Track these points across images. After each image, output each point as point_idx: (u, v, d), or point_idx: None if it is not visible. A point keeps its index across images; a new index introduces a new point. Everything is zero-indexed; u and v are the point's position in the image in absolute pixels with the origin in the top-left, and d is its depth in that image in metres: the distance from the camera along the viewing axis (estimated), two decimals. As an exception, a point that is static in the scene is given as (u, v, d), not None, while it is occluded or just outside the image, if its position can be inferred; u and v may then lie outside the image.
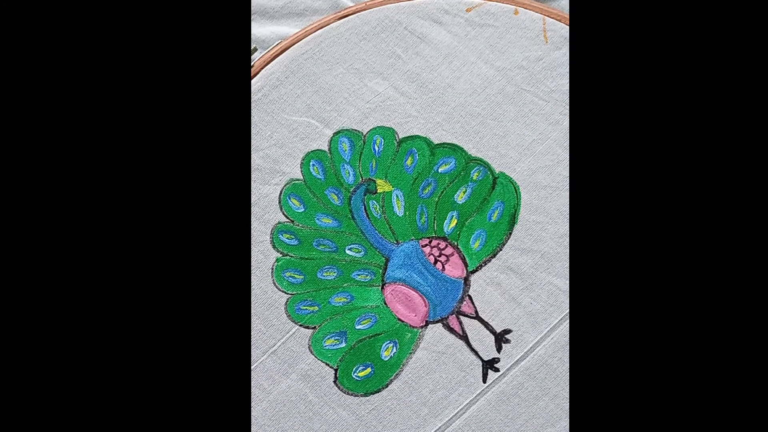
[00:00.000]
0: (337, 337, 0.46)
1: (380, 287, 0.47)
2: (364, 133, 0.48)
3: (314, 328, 0.46)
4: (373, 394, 0.45)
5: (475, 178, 0.47)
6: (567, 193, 0.46)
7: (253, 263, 0.47)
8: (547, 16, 0.49)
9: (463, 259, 0.47)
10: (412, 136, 0.48)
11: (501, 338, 0.46)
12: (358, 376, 0.46)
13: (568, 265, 0.46)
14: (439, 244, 0.47)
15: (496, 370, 0.45)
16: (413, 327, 0.46)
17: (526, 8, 0.49)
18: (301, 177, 0.48)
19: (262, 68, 0.49)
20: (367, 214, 0.47)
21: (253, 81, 0.48)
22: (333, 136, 0.48)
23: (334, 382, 0.46)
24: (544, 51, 0.49)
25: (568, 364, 0.45)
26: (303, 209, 0.47)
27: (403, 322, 0.46)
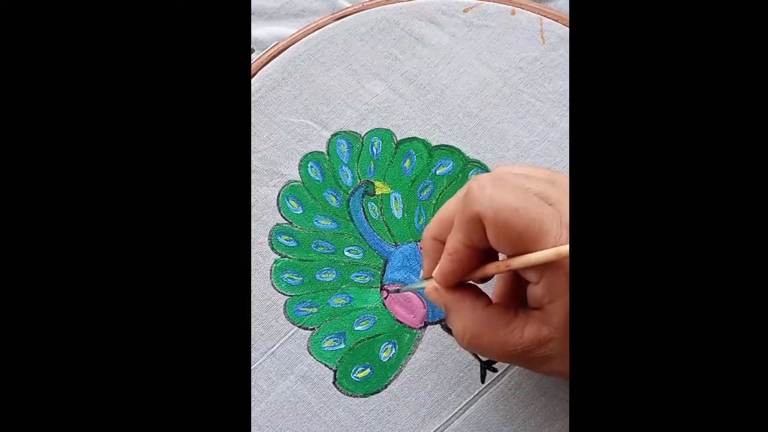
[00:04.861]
0: (336, 339, 0.46)
1: (379, 289, 0.47)
2: (362, 135, 0.48)
3: (313, 329, 0.46)
4: (373, 394, 0.45)
5: (473, 180, 0.47)
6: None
7: (251, 265, 0.46)
8: (545, 16, 0.49)
9: (462, 261, 0.47)
10: (410, 138, 0.48)
11: (499, 339, 0.46)
12: (357, 377, 0.46)
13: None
14: (437, 246, 0.47)
15: (494, 370, 0.45)
16: (412, 328, 0.46)
17: (523, 8, 0.49)
18: (299, 179, 0.48)
19: (260, 69, 0.49)
20: (365, 216, 0.47)
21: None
22: (331, 137, 0.48)
23: (334, 383, 0.46)
24: (542, 52, 0.49)
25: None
26: (301, 211, 0.47)
27: (401, 323, 0.46)
